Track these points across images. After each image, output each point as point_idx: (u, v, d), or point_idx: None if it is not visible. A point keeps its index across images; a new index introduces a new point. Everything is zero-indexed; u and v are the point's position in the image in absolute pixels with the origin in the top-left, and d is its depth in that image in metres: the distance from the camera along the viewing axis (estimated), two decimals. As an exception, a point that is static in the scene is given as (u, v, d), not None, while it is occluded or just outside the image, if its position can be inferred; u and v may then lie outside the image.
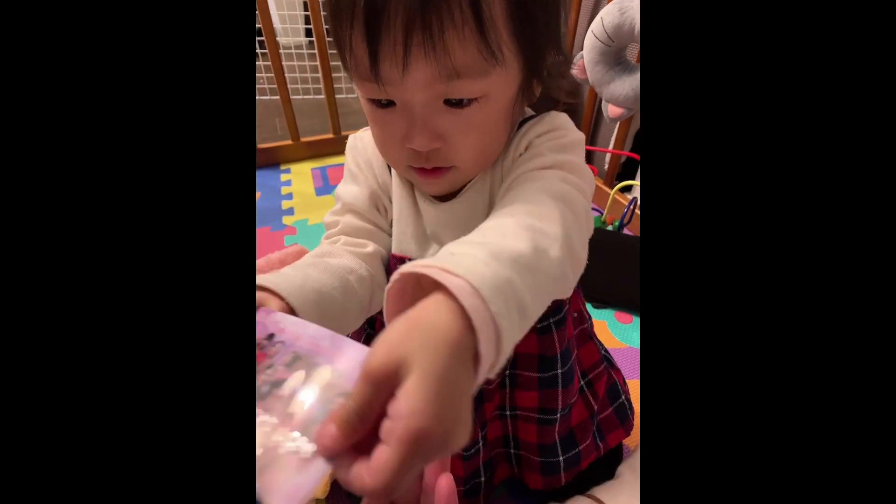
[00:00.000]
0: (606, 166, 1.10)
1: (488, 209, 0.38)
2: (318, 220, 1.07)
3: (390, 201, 0.42)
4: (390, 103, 0.31)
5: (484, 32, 0.27)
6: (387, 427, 0.19)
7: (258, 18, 1.10)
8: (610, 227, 0.98)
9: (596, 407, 0.49)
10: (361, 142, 0.43)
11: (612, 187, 1.01)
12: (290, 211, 1.11)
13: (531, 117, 0.38)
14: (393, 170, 0.41)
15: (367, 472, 0.19)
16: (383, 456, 0.18)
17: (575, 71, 0.97)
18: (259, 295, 0.29)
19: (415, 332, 0.20)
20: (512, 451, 0.49)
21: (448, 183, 0.35)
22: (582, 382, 0.48)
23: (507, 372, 0.45)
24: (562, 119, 0.37)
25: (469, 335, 0.20)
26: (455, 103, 0.30)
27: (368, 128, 0.42)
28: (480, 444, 0.46)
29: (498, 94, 0.31)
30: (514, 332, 0.22)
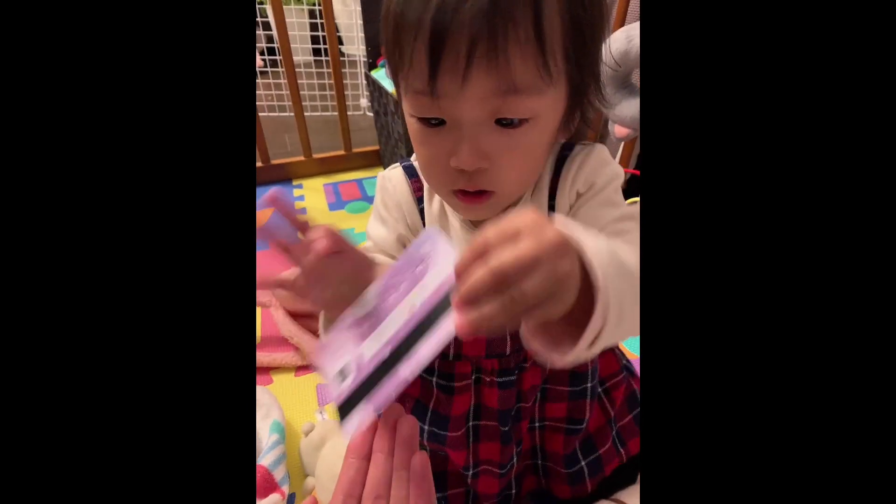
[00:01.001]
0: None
1: None
2: (333, 234, 1.09)
3: None
4: (440, 122, 0.32)
5: (544, 49, 0.29)
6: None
7: (275, 38, 1.13)
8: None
9: (613, 414, 0.50)
10: (391, 183, 0.43)
11: (617, 203, 1.05)
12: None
13: (569, 145, 0.39)
14: (425, 211, 0.42)
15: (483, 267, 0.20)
16: (504, 253, 0.20)
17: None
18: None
19: (537, 217, 0.22)
20: (539, 462, 0.51)
21: (489, 208, 0.36)
22: (599, 390, 0.50)
23: (541, 386, 0.47)
24: (606, 153, 0.39)
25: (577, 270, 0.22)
26: (506, 123, 0.31)
27: (396, 166, 0.44)
28: (515, 459, 0.48)
29: (547, 116, 0.32)
30: (618, 297, 0.23)
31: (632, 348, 0.81)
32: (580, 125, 0.38)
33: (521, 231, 0.21)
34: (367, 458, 0.31)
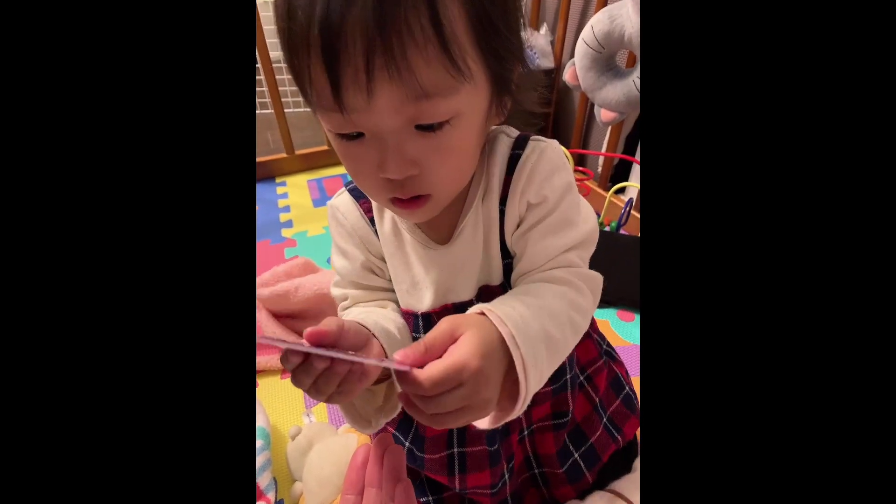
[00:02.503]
0: (600, 169, 1.12)
1: (483, 246, 0.39)
2: (318, 232, 1.07)
3: (384, 261, 0.42)
4: (359, 135, 0.30)
5: (447, 48, 0.26)
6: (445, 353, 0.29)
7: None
8: (607, 228, 1.00)
9: (598, 399, 0.49)
10: (340, 212, 0.42)
11: (606, 190, 1.04)
12: (289, 223, 1.11)
13: (522, 139, 0.37)
14: (379, 232, 0.41)
15: (416, 373, 0.27)
16: (433, 366, 0.28)
17: (567, 77, 1.00)
18: (352, 323, 0.34)
19: (471, 318, 0.31)
20: (536, 471, 0.49)
21: (427, 211, 0.34)
22: (581, 378, 0.49)
23: None
24: (558, 155, 0.37)
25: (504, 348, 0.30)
26: (427, 127, 0.29)
27: (343, 191, 0.42)
28: (507, 476, 0.46)
29: (469, 112, 0.30)
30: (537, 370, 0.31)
31: (622, 333, 0.80)
32: (523, 104, 0.37)
33: (464, 384, 0.28)
34: (362, 493, 0.35)
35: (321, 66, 0.27)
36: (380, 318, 0.39)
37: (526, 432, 0.47)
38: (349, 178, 0.44)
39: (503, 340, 0.30)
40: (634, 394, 0.54)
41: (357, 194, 0.42)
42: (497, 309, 0.31)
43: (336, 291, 0.45)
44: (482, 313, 0.31)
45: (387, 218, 0.41)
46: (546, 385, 0.44)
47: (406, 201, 0.33)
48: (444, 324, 0.30)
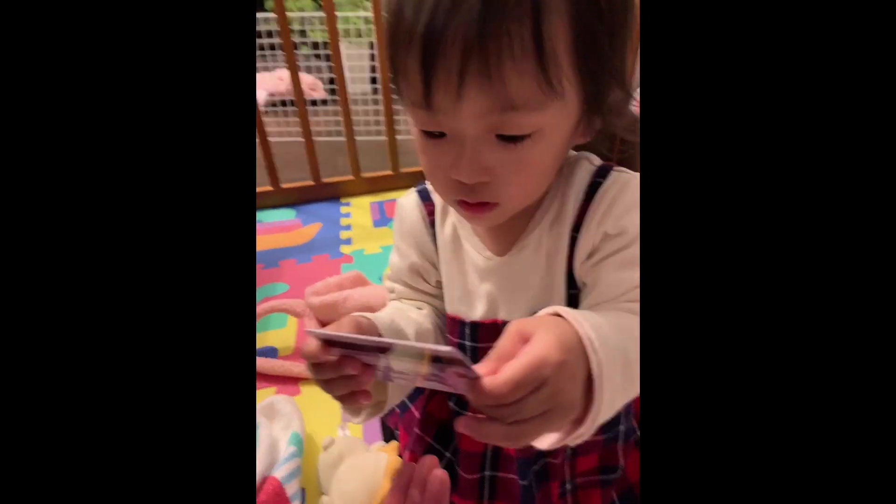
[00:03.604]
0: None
1: (545, 269, 0.37)
2: (374, 251, 1.10)
3: (435, 267, 0.43)
4: (441, 134, 0.30)
5: (544, 65, 0.26)
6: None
7: (332, 69, 1.20)
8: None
9: None
10: (404, 210, 0.43)
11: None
12: (348, 241, 1.15)
13: (605, 169, 0.36)
14: (437, 236, 0.41)
15: (490, 381, 0.23)
16: (509, 367, 0.23)
17: (634, 106, 0.96)
18: (360, 318, 0.34)
19: (542, 319, 0.27)
20: None
21: (493, 219, 0.34)
22: (637, 433, 0.44)
23: None
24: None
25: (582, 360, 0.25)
26: (507, 138, 0.29)
27: (412, 191, 0.44)
28: None
29: (553, 129, 0.30)
30: (612, 382, 0.26)
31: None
32: (609, 127, 0.35)
33: (546, 382, 0.24)
34: None
35: (418, 64, 0.27)
36: (401, 320, 0.39)
37: (569, 486, 0.43)
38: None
39: (580, 341, 0.26)
40: None
41: (424, 196, 0.43)
42: (573, 311, 0.28)
43: (387, 283, 0.47)
44: (556, 314, 0.28)
45: (448, 223, 0.41)
46: (597, 433, 0.40)
47: (472, 205, 0.33)
48: (513, 327, 0.27)
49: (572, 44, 0.27)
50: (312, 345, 0.28)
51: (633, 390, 0.29)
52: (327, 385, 0.30)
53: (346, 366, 0.28)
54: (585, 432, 0.27)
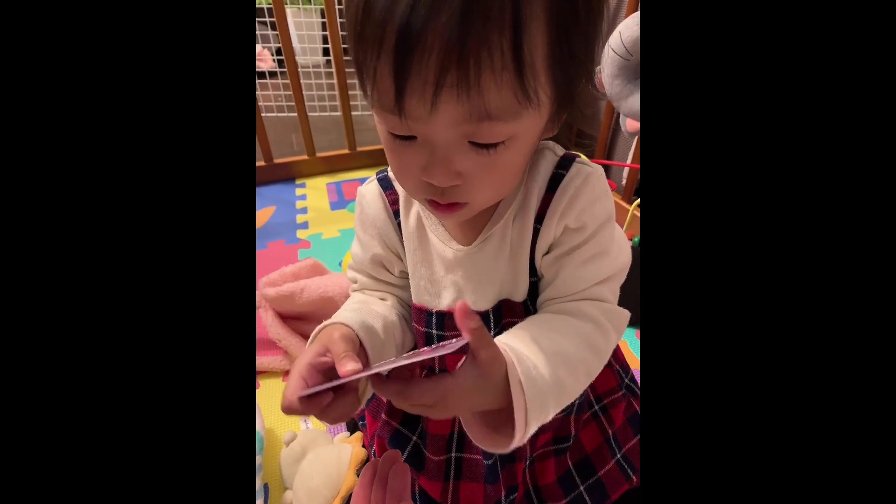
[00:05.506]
0: (624, 181, 1.08)
1: (510, 259, 0.38)
2: (332, 234, 1.07)
3: (399, 258, 0.42)
4: (411, 137, 0.29)
5: (523, 77, 0.26)
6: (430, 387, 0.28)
7: (279, 38, 1.12)
8: (630, 243, 0.96)
9: (611, 432, 0.47)
10: (365, 200, 0.42)
11: (630, 203, 0.99)
12: (305, 225, 1.11)
13: (567, 160, 0.36)
14: (402, 226, 0.41)
15: (396, 385, 0.29)
16: (417, 388, 0.28)
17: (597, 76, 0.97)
18: (341, 328, 0.35)
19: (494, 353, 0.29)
20: None
21: (461, 216, 0.34)
22: (596, 407, 0.46)
23: None
24: (602, 183, 0.36)
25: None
26: (480, 145, 0.29)
27: (372, 179, 0.42)
28: None
29: (525, 134, 0.30)
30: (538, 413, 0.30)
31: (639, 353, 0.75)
32: (574, 120, 0.35)
33: (445, 406, 0.28)
34: None
35: (390, 68, 0.25)
36: (368, 315, 0.39)
37: (527, 464, 0.45)
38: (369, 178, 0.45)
39: (507, 378, 0.29)
40: None
41: (385, 185, 0.41)
42: (514, 351, 0.31)
43: (349, 273, 0.47)
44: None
45: (412, 213, 0.40)
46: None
47: (443, 206, 0.32)
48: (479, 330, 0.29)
49: (549, 52, 0.27)
50: (294, 404, 0.30)
51: (568, 400, 0.33)
52: (318, 417, 0.31)
53: (328, 400, 0.30)
54: (515, 444, 0.30)
